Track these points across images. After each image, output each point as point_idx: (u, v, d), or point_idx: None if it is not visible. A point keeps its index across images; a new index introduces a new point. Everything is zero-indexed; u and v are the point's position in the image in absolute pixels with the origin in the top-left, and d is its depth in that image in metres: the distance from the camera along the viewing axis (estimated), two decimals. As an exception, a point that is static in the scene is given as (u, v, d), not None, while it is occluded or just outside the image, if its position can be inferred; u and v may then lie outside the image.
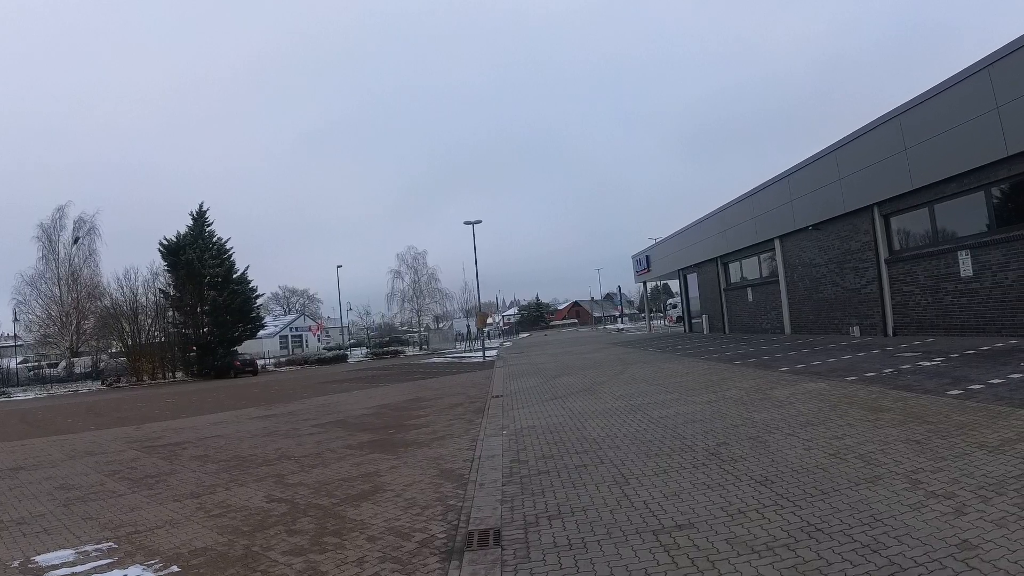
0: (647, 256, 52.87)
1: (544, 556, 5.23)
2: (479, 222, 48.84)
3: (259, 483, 9.52)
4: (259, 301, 62.42)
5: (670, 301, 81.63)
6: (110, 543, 6.97)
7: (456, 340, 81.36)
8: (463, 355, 53.23)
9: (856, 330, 23.77)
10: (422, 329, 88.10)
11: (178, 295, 54.09)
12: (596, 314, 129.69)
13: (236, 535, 6.91)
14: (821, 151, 25.15)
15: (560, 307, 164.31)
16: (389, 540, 6.32)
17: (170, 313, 55.07)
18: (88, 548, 6.85)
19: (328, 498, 8.27)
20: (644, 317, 77.47)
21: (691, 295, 45.51)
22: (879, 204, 21.74)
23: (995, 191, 17.25)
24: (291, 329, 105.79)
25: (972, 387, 10.35)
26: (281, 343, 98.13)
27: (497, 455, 9.47)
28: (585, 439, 9.86)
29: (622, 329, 77.59)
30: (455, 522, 6.69)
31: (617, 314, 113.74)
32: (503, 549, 5.51)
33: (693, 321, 45.17)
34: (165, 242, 54.79)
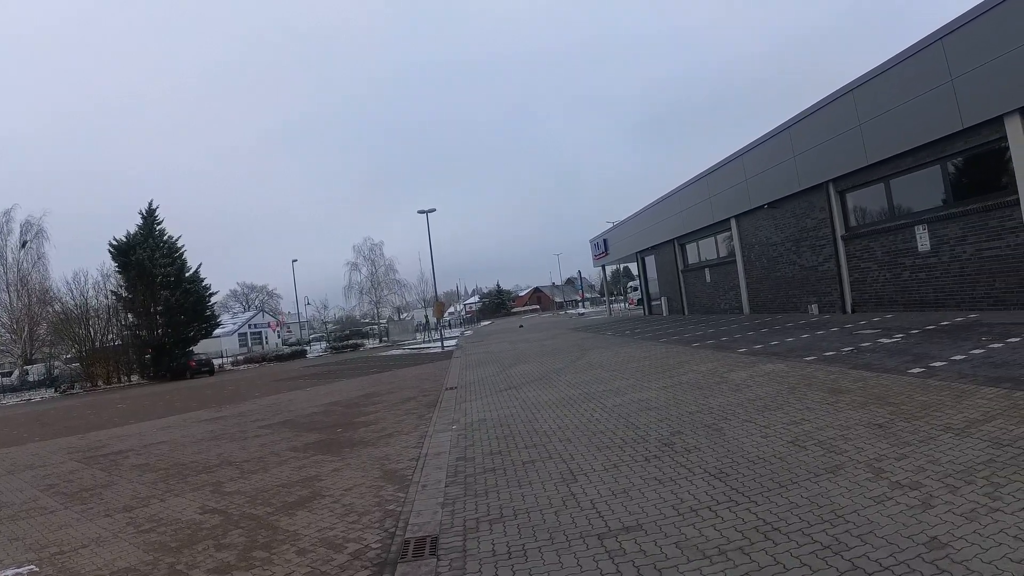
0: (605, 240, 52.66)
1: (480, 567, 4.83)
2: (433, 210, 48.49)
3: (195, 492, 9.07)
4: (214, 299, 61.21)
5: (630, 284, 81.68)
6: (31, 566, 6.51)
7: (416, 331, 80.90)
8: (422, 346, 52.83)
9: (815, 308, 23.64)
10: (383, 321, 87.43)
11: (130, 296, 52.67)
12: (557, 299, 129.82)
13: (162, 552, 6.47)
14: (775, 129, 24.93)
15: (521, 293, 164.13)
16: (320, 553, 5.91)
17: (123, 315, 53.75)
18: (8, 573, 6.39)
19: (264, 507, 7.82)
20: (604, 301, 77.44)
21: (650, 277, 45.31)
22: (834, 180, 21.57)
23: (951, 165, 17.08)
24: (250, 326, 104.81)
25: (934, 364, 10.07)
26: (240, 341, 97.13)
27: (444, 452, 9.08)
28: (536, 432, 9.47)
29: (583, 314, 77.55)
30: (392, 529, 6.30)
31: (578, 299, 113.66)
32: (439, 560, 5.11)
33: (652, 303, 45.01)
34: (115, 242, 53.37)
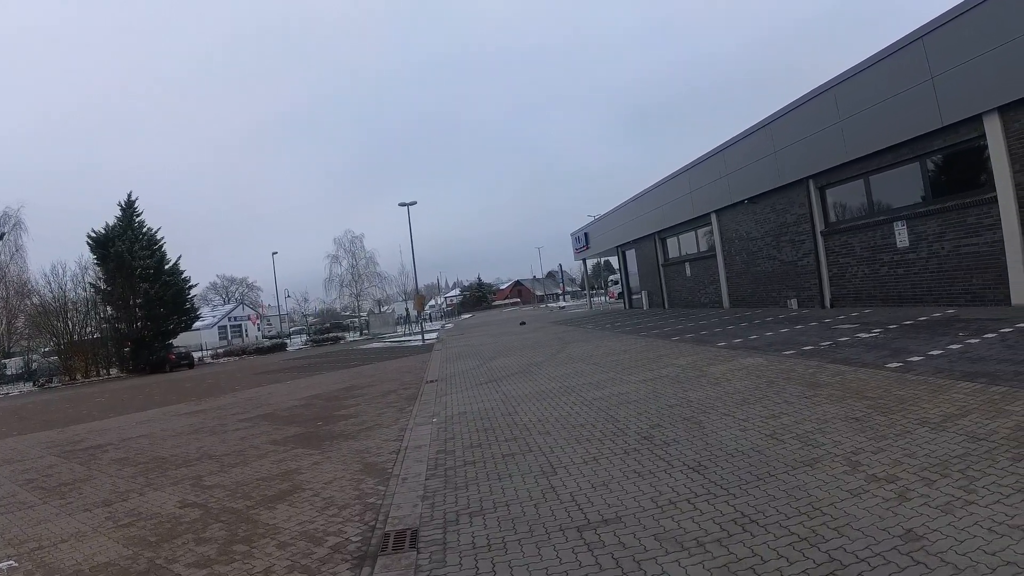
0: (586, 233, 52.70)
1: (460, 560, 4.82)
2: (414, 203, 48.53)
3: (175, 486, 8.99)
4: (193, 292, 60.57)
5: (611, 278, 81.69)
6: (11, 561, 6.43)
7: (397, 324, 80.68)
8: (403, 339, 52.84)
9: (794, 302, 23.76)
10: (363, 314, 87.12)
11: (109, 289, 52.04)
12: (538, 293, 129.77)
13: (142, 547, 6.40)
14: (756, 124, 25.02)
15: (502, 287, 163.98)
16: (300, 546, 5.87)
17: (102, 308, 53.15)
18: (-11, 568, 6.30)
19: (244, 500, 7.77)
20: (585, 294, 77.47)
21: (630, 271, 45.36)
22: (814, 176, 21.69)
23: (930, 162, 17.21)
24: (230, 319, 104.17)
25: (911, 359, 10.15)
26: (220, 333, 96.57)
27: (424, 446, 9.05)
28: (516, 425, 9.47)
29: (563, 307, 77.63)
30: (372, 523, 6.27)
31: (559, 292, 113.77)
32: (418, 552, 5.09)
33: (633, 297, 45.08)
34: (93, 234, 52.61)
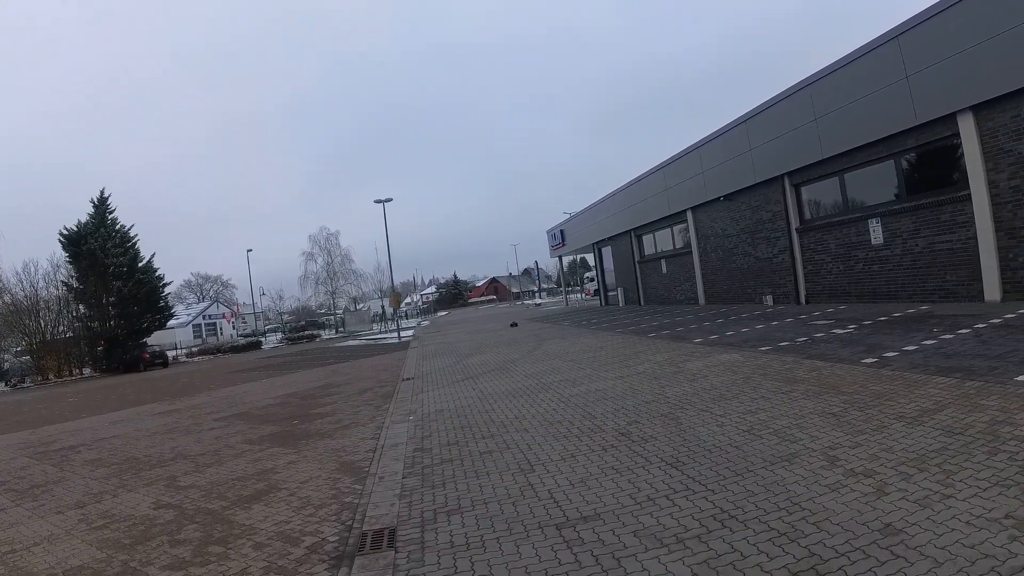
0: (562, 231, 52.69)
1: (439, 559, 4.77)
2: (390, 200, 48.34)
3: (149, 487, 8.85)
4: (167, 290, 59.91)
5: (587, 275, 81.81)
6: (-18, 566, 6.29)
7: (373, 321, 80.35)
8: (379, 336, 52.59)
9: (769, 299, 23.88)
10: (339, 312, 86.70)
11: (82, 287, 51.31)
12: (514, 290, 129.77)
13: (116, 549, 6.30)
14: (731, 122, 25.10)
15: (478, 284, 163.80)
16: (277, 547, 5.79)
17: (75, 307, 52.45)
18: (-42, 572, 6.17)
19: (219, 501, 7.67)
20: (561, 291, 77.52)
21: (606, 268, 45.43)
22: (790, 174, 21.82)
23: (905, 160, 17.35)
24: (204, 317, 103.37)
25: (887, 355, 10.20)
26: (195, 332, 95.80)
27: (401, 443, 8.98)
28: (493, 422, 9.42)
29: (539, 304, 77.45)
30: (349, 522, 6.20)
31: (535, 289, 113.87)
32: (396, 552, 5.04)
33: (609, 294, 45.15)
34: (66, 232, 51.77)
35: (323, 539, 5.85)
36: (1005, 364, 8.38)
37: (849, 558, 3.86)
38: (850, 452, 5.75)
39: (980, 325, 11.81)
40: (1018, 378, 7.52)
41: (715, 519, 4.71)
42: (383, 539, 5.36)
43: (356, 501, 6.86)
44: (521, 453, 7.42)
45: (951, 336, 11.09)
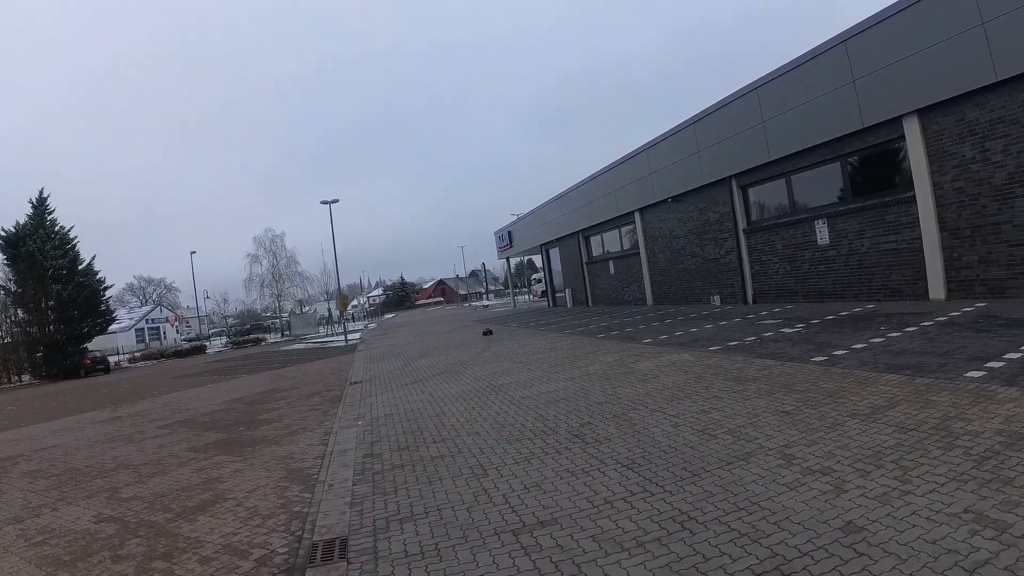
0: (509, 232, 52.69)
1: (393, 569, 4.61)
2: (336, 201, 48.01)
3: (90, 499, 8.52)
4: (109, 293, 58.46)
5: (534, 276, 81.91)
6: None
7: (319, 324, 79.63)
8: (325, 340, 52.14)
9: (717, 299, 24.06)
10: (285, 315, 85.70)
11: (20, 291, 49.67)
12: (462, 292, 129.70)
13: (56, 567, 6.02)
14: (679, 124, 25.25)
15: (426, 286, 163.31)
16: (224, 560, 5.57)
17: (12, 311, 50.83)
18: None
19: (163, 513, 7.38)
20: (509, 293, 77.57)
21: (554, 269, 45.51)
22: (737, 176, 22.02)
23: (851, 162, 17.63)
24: (147, 321, 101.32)
25: (836, 353, 10.27)
26: (138, 336, 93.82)
27: (350, 449, 8.78)
28: (444, 426, 9.27)
29: (487, 306, 77.38)
30: (299, 532, 6.00)
31: (483, 291, 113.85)
32: (349, 563, 4.86)
33: (557, 295, 45.24)
34: (3, 233, 50.10)
35: (272, 551, 5.65)
36: (954, 361, 8.48)
37: (812, 557, 3.81)
38: (806, 450, 5.73)
39: (927, 323, 11.97)
40: (967, 374, 7.60)
41: (674, 521, 4.63)
42: (334, 550, 5.19)
43: (305, 510, 6.67)
44: (474, 457, 7.29)
45: (899, 334, 11.21)
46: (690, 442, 6.54)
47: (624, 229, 32.72)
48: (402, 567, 4.62)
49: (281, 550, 5.65)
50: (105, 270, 56.07)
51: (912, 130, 15.04)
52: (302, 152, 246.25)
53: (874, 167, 17.09)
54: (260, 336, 69.79)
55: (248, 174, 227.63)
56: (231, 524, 6.58)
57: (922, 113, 14.80)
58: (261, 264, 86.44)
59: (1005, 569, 3.41)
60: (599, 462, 6.33)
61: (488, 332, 17.55)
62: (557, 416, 8.75)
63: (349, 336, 45.52)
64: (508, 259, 64.28)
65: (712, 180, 23.23)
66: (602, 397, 9.61)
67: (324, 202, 47.72)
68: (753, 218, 22.09)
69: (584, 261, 38.31)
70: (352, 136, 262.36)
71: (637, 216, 29.95)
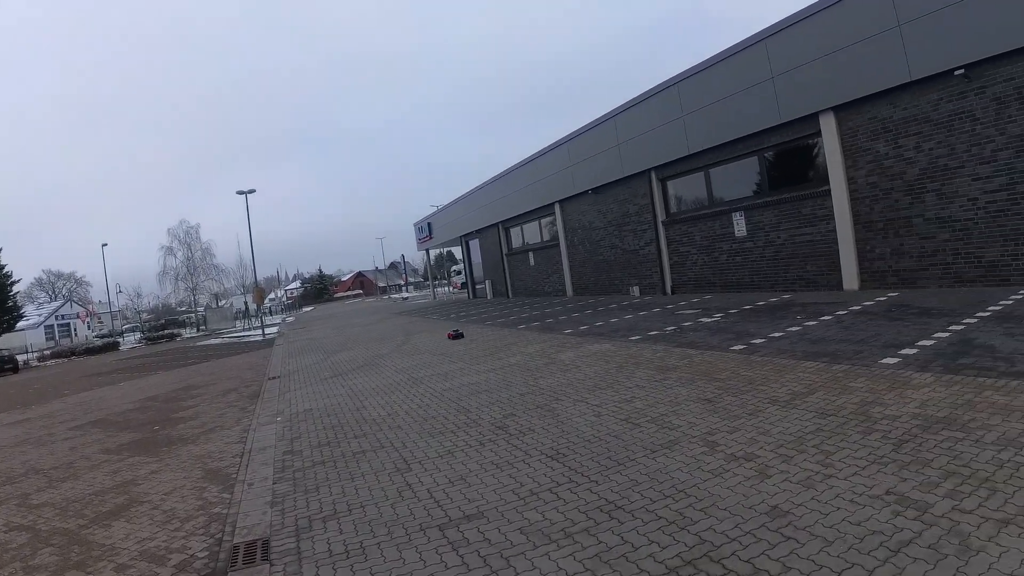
0: (429, 224, 52.31)
1: (318, 570, 4.46)
2: (252, 191, 46.67)
3: (-3, 507, 8.13)
4: (16, 288, 56.57)
5: (454, 268, 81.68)
6: None
7: (236, 318, 78.04)
8: (243, 334, 51.09)
9: (636, 290, 24.27)
10: (200, 309, 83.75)
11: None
12: (381, 284, 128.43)
13: (-38, 578, 5.67)
14: (600, 117, 25.35)
15: (344, 278, 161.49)
16: (141, 567, 5.34)
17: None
18: None
19: (76, 519, 7.05)
20: (429, 285, 77.27)
21: (474, 261, 45.41)
22: (656, 169, 22.22)
23: (768, 156, 17.98)
24: (57, 317, 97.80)
25: (754, 341, 10.44)
26: (47, 333, 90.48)
27: (270, 447, 8.53)
28: (365, 420, 9.11)
29: (407, 298, 76.85)
30: (219, 535, 5.81)
31: (402, 283, 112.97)
32: (272, 565, 4.69)
33: (477, 287, 45.17)
34: (-99, 225, 48.12)
35: (192, 556, 5.45)
36: (869, 348, 8.68)
37: (740, 542, 3.83)
38: (729, 437, 5.77)
39: (841, 312, 12.26)
40: (882, 361, 7.79)
41: (601, 511, 4.60)
42: (256, 552, 5.01)
43: (225, 511, 6.47)
44: (396, 452, 7.16)
45: (815, 323, 11.46)
46: (614, 431, 6.53)
47: (544, 221, 32.78)
48: (327, 568, 4.48)
49: (201, 554, 5.45)
50: (11, 264, 53.89)
51: (828, 126, 15.43)
52: (219, 138, 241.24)
53: (791, 162, 17.45)
54: (175, 331, 68.10)
55: (161, 162, 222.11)
56: (148, 529, 6.32)
57: (838, 110, 15.21)
58: (175, 256, 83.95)
59: (928, 547, 3.47)
60: (523, 454, 6.28)
61: (459, 335, 17.06)
62: (480, 408, 8.68)
63: (266, 330, 44.63)
64: (428, 251, 63.93)
65: (632, 173, 23.41)
66: (524, 388, 9.57)
67: (240, 192, 46.55)
68: (672, 210, 22.33)
69: (504, 253, 38.30)
70: (273, 126, 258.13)
71: (557, 208, 30.02)
